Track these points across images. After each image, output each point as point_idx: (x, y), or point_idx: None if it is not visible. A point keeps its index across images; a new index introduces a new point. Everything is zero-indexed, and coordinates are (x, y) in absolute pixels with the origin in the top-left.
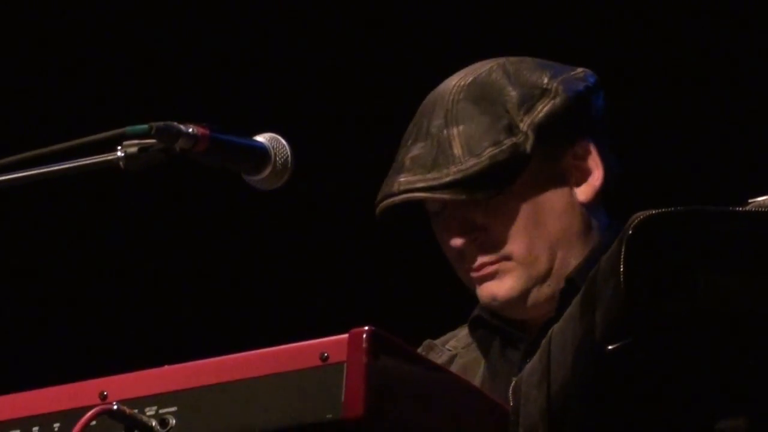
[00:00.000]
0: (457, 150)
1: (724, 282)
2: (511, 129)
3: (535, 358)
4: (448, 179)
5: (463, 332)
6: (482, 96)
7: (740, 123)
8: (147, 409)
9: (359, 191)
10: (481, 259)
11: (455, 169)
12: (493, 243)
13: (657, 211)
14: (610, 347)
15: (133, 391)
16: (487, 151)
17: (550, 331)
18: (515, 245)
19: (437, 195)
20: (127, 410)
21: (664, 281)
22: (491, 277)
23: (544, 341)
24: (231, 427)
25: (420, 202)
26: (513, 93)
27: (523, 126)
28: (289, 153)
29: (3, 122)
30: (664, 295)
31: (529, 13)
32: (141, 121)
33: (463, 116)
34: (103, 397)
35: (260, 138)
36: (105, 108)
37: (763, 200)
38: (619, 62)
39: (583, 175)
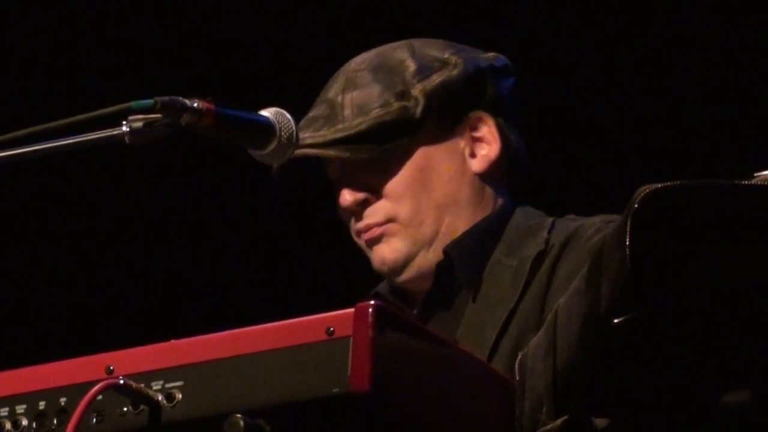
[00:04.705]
0: (348, 111)
1: (730, 255)
2: (404, 95)
3: (541, 331)
4: (333, 137)
5: None
6: (381, 66)
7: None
8: (153, 384)
9: None
10: (368, 221)
11: (341, 127)
12: (381, 205)
13: (663, 184)
14: (615, 321)
15: (139, 366)
16: (375, 111)
17: (556, 304)
18: (401, 207)
19: (322, 151)
20: (134, 384)
21: (670, 254)
22: (378, 239)
23: (550, 315)
24: (237, 402)
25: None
26: (411, 64)
27: (415, 92)
28: (294, 127)
29: (7, 98)
30: (670, 268)
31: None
32: (146, 96)
33: (359, 83)
34: (110, 372)
35: (265, 112)
36: (109, 83)
37: None
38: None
39: (479, 147)
